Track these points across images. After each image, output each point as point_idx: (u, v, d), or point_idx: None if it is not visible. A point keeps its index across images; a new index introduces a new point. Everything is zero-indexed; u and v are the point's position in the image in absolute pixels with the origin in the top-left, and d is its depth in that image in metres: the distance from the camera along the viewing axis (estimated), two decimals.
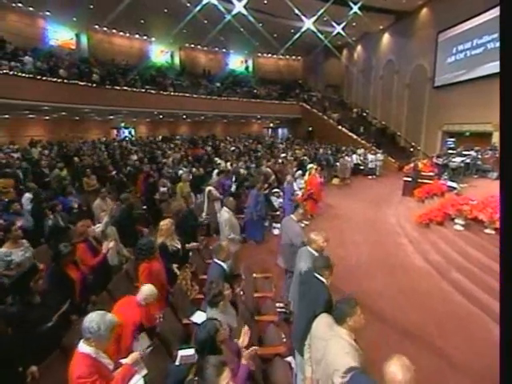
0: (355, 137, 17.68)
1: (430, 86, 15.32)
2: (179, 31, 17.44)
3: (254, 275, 4.01)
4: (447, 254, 5.23)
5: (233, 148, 14.01)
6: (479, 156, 9.34)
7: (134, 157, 10.00)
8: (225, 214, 4.32)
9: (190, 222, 4.61)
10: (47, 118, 15.60)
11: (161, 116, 19.18)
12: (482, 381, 3.00)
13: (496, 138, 10.72)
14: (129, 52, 19.52)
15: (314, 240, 2.89)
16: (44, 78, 12.20)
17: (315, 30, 17.67)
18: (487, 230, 4.83)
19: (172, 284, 3.42)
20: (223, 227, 4.30)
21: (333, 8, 15.42)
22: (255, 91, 20.74)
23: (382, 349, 3.52)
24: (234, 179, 8.17)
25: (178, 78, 19.07)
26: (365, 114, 20.94)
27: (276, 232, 6.33)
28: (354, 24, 17.67)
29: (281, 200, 7.33)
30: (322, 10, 15.67)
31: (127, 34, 19.56)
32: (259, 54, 24.20)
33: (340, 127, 18.58)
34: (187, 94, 17.37)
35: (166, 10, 17.62)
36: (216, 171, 8.18)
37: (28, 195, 4.83)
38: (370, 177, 13.53)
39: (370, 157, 13.92)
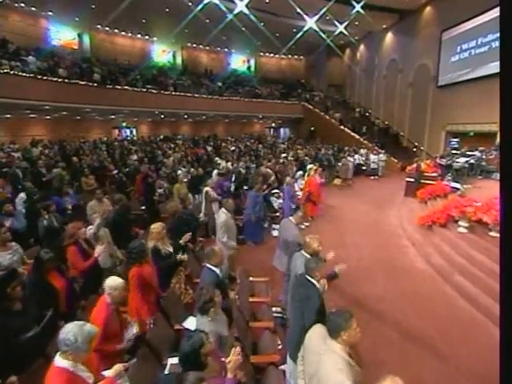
0: (357, 137, 17.52)
1: (434, 86, 15.12)
2: (181, 31, 17.37)
3: (251, 279, 3.90)
4: (450, 257, 5.09)
5: (233, 148, 13.92)
6: (484, 156, 9.17)
7: (134, 156, 9.94)
8: (222, 216, 4.21)
9: (190, 223, 4.52)
10: (48, 117, 15.61)
11: (162, 116, 19.15)
12: None
13: None
14: (131, 52, 19.55)
15: (308, 244, 2.79)
16: (45, 78, 12.20)
17: (317, 29, 17.52)
18: (492, 233, 4.69)
19: (165, 288, 3.33)
20: (218, 229, 4.20)
21: (335, 7, 15.26)
22: (257, 91, 20.64)
23: (382, 353, 3.43)
24: (233, 179, 8.09)
25: (179, 77, 19.02)
26: (367, 114, 20.76)
27: (275, 233, 6.22)
28: (356, 23, 17.49)
29: (280, 201, 7.22)
30: (324, 9, 15.51)
31: (129, 34, 19.59)
32: (261, 54, 24.12)
33: (342, 127, 18.43)
34: (188, 94, 17.31)
35: (167, 10, 17.55)
36: (215, 171, 8.10)
37: (22, 195, 4.77)
38: (372, 177, 13.38)
39: (372, 157, 13.75)
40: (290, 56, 24.55)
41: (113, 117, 17.93)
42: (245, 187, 7.75)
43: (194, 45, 21.82)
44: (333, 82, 24.07)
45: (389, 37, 18.59)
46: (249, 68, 24.67)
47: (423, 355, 3.41)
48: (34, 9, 15.60)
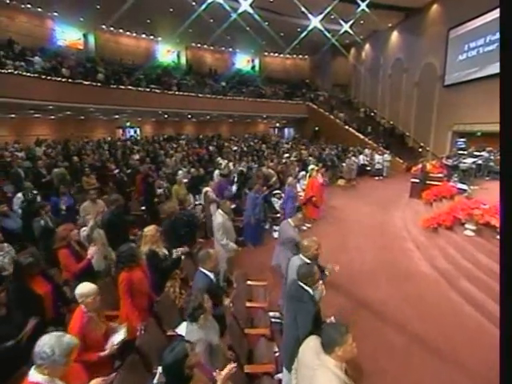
0: (362, 137, 17.33)
1: (440, 85, 14.86)
2: (186, 31, 17.41)
3: (249, 282, 3.80)
4: (456, 261, 4.93)
5: (235, 148, 13.83)
6: (492, 157, 8.94)
7: (136, 156, 9.91)
8: (218, 218, 4.11)
9: (189, 224, 4.43)
10: (53, 117, 15.70)
11: (166, 116, 19.15)
12: None
13: None
14: (135, 52, 19.60)
15: (306, 248, 2.67)
16: (49, 78, 12.25)
17: (322, 28, 17.34)
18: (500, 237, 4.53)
19: (159, 291, 3.24)
20: (215, 231, 4.10)
21: (340, 6, 15.10)
22: (261, 91, 20.54)
23: (384, 360, 3.30)
24: (235, 180, 8.00)
25: (183, 77, 19.00)
26: (372, 114, 20.53)
27: (276, 235, 6.10)
28: (361, 22, 17.28)
29: (282, 202, 7.08)
30: (329, 8, 15.36)
31: (134, 34, 19.65)
32: (266, 54, 24.04)
33: (347, 127, 18.25)
34: (192, 94, 17.27)
35: (171, 10, 17.52)
36: (217, 172, 8.02)
37: (19, 195, 4.73)
38: (376, 178, 13.18)
39: (377, 157, 13.56)
40: (294, 56, 24.43)
41: (117, 116, 17.98)
42: (246, 184, 7.62)
43: (199, 45, 21.81)
44: (338, 81, 23.86)
45: (394, 36, 18.35)
46: (253, 68, 24.59)
47: (427, 362, 3.28)
48: (40, 10, 15.74)
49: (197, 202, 6.48)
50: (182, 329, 2.55)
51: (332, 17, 16.33)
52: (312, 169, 8.30)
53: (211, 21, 16.36)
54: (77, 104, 13.30)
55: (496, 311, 3.81)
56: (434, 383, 3.04)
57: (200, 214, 5.58)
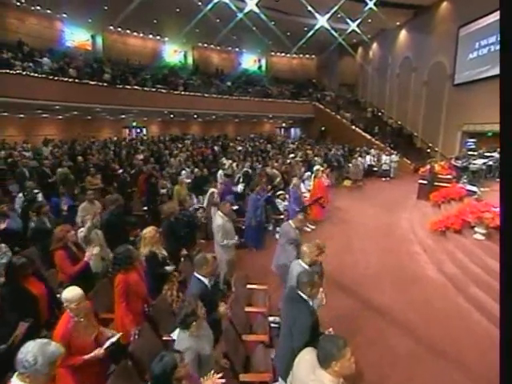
0: (369, 137, 17.09)
1: (450, 84, 14.53)
2: (192, 31, 17.44)
3: (249, 286, 3.71)
4: (465, 266, 4.76)
5: (240, 148, 13.75)
6: None
7: (141, 156, 9.91)
8: (218, 220, 4.04)
9: (189, 225, 4.38)
10: (60, 117, 15.89)
11: (172, 115, 19.20)
12: None
13: None
14: (142, 52, 19.71)
15: (306, 253, 2.57)
16: (56, 78, 12.37)
17: (329, 27, 17.17)
18: None
19: (156, 295, 3.18)
20: (215, 233, 4.02)
21: (347, 4, 14.89)
22: (268, 90, 20.44)
23: (388, 368, 3.18)
24: (241, 180, 7.92)
25: (190, 77, 19.03)
26: (380, 114, 20.24)
27: (278, 236, 6.01)
28: (369, 21, 17.00)
29: (286, 203, 6.99)
30: (336, 7, 15.16)
31: (141, 35, 19.77)
32: (272, 53, 23.94)
33: (354, 127, 18.02)
34: (198, 94, 17.27)
35: (178, 10, 17.55)
36: (220, 172, 7.96)
37: (21, 195, 4.74)
38: (383, 179, 12.97)
39: (384, 158, 13.34)
40: (301, 55, 24.27)
41: (123, 116, 18.10)
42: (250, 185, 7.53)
43: (205, 45, 21.83)
44: (345, 81, 23.62)
45: (402, 34, 18.04)
46: (260, 68, 24.52)
47: (433, 370, 3.15)
48: (49, 11, 15.94)
49: (199, 205, 6.39)
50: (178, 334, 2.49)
51: (339, 16, 16.14)
52: (318, 169, 8.18)
53: (218, 21, 16.33)
54: (83, 104, 13.44)
55: None
56: None
57: (200, 215, 5.50)
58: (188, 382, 1.62)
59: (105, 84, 14.01)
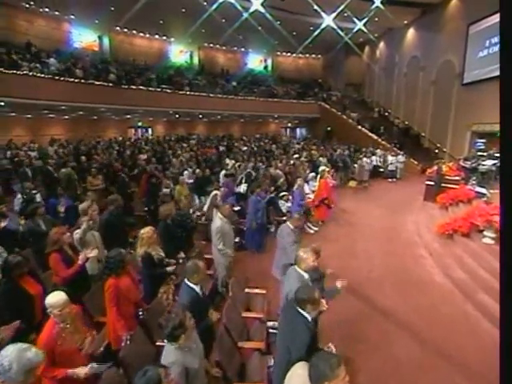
0: (375, 137, 16.85)
1: (459, 83, 14.22)
2: (198, 31, 17.43)
3: (247, 290, 3.62)
4: (473, 271, 4.59)
5: (245, 148, 13.67)
6: None
7: (144, 156, 9.90)
8: (217, 222, 3.95)
9: (184, 225, 4.30)
10: (67, 117, 16.02)
11: (177, 115, 19.22)
12: None
13: None
14: (149, 52, 19.80)
15: (302, 259, 2.45)
16: (62, 79, 12.46)
17: (335, 26, 17.00)
18: None
19: (152, 298, 3.11)
20: (213, 235, 3.94)
21: (354, 3, 14.68)
22: (273, 90, 20.34)
23: (393, 379, 3.06)
24: (243, 180, 7.83)
25: (195, 77, 19.03)
26: (387, 114, 19.97)
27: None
28: (376, 19, 16.74)
29: (289, 204, 6.88)
30: (342, 6, 14.98)
31: (147, 35, 19.86)
32: (278, 53, 23.83)
33: (360, 127, 17.80)
34: (203, 94, 17.25)
35: (183, 10, 17.56)
36: (223, 172, 7.89)
37: (19, 196, 4.73)
38: (389, 180, 12.75)
39: (390, 158, 13.11)
40: (307, 55, 24.12)
41: (128, 116, 18.18)
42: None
43: (211, 45, 21.84)
44: (351, 80, 23.39)
45: (410, 33, 17.75)
46: (266, 67, 24.44)
47: (438, 380, 3.01)
48: (57, 13, 16.11)
49: (198, 205, 6.32)
50: None
51: (345, 15, 15.93)
52: (323, 170, 8.05)
53: (223, 21, 16.27)
54: (89, 104, 13.51)
55: None
56: None
57: (197, 216, 5.42)
58: None
59: (110, 84, 14.07)
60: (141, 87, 15.10)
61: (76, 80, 12.90)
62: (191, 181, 7.29)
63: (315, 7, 15.33)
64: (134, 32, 19.24)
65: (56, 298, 2.04)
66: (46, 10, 15.66)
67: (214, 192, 6.08)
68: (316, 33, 17.51)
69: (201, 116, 20.17)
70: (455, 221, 5.58)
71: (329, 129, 20.70)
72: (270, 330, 3.22)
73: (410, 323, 3.86)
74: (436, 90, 15.83)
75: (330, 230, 7.10)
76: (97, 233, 3.64)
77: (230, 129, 21.91)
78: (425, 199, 8.44)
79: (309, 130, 23.92)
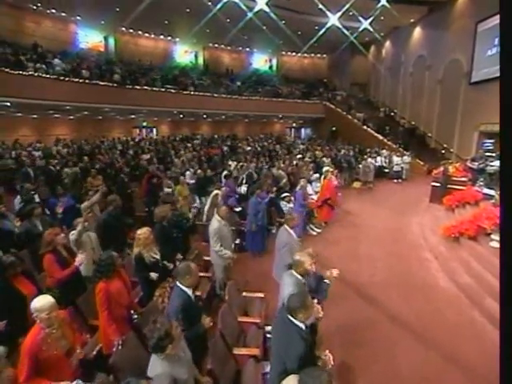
0: (381, 137, 16.65)
1: (466, 82, 13.95)
2: (203, 31, 17.42)
3: (244, 294, 3.53)
4: (480, 276, 4.44)
5: (248, 148, 13.59)
6: None
7: (147, 156, 9.89)
8: (214, 224, 3.88)
9: (179, 226, 4.24)
10: (72, 117, 16.15)
11: (181, 115, 19.24)
12: None
13: None
14: (154, 53, 19.88)
15: (298, 263, 2.36)
16: (67, 79, 12.55)
17: (341, 26, 16.83)
18: None
19: (147, 301, 3.05)
20: (211, 238, 3.87)
21: (359, 2, 14.51)
22: (278, 90, 20.24)
23: None
24: (244, 181, 7.76)
25: (200, 77, 19.03)
26: (392, 114, 19.72)
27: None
28: (382, 18, 16.56)
29: (291, 205, 6.77)
30: (347, 5, 14.81)
31: (152, 35, 19.93)
32: (283, 53, 23.70)
33: (365, 127, 17.61)
34: (207, 94, 17.24)
35: (188, 10, 17.57)
36: (224, 173, 7.82)
37: (19, 197, 4.72)
38: (395, 181, 12.56)
39: (396, 159, 12.91)
40: (312, 55, 23.98)
41: (133, 116, 18.27)
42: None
43: (216, 45, 21.83)
44: (356, 80, 23.18)
45: (417, 31, 17.50)
46: (270, 67, 24.37)
47: None
48: (63, 14, 16.27)
49: (196, 206, 6.26)
50: None
51: (351, 14, 15.75)
52: (327, 170, 7.95)
53: (228, 21, 16.23)
54: (93, 104, 13.58)
55: None
56: None
57: (193, 216, 5.36)
58: None
59: (114, 84, 14.13)
60: (145, 87, 15.14)
61: (81, 80, 12.98)
62: (193, 181, 7.24)
63: (320, 6, 15.19)
64: (140, 32, 19.33)
65: (42, 301, 1.99)
66: (53, 11, 15.85)
67: (215, 192, 6.01)
68: (321, 32, 17.39)
69: (205, 116, 20.18)
70: (462, 223, 5.44)
71: (334, 129, 20.55)
72: (268, 335, 3.14)
73: (413, 329, 3.74)
74: (443, 89, 15.56)
75: (332, 232, 6.99)
76: (93, 234, 3.60)
77: (234, 129, 21.88)
78: (431, 201, 8.28)
79: (313, 130, 23.79)
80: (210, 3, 15.04)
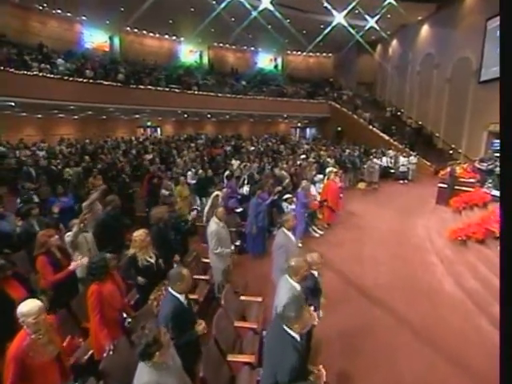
0: (387, 137, 16.41)
1: (475, 81, 13.65)
2: (208, 31, 17.41)
3: (242, 298, 3.45)
4: (488, 281, 4.27)
5: (252, 148, 13.50)
6: None
7: (149, 156, 9.87)
8: (212, 226, 3.80)
9: (177, 228, 4.17)
10: (76, 117, 16.24)
11: (186, 115, 19.24)
12: None
13: None
14: (159, 52, 19.92)
15: (294, 269, 2.26)
16: (71, 79, 12.61)
17: (346, 24, 16.64)
18: None
19: (142, 304, 2.98)
20: (209, 240, 3.79)
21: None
22: (283, 90, 20.11)
23: None
24: (246, 182, 7.67)
25: (204, 77, 19.00)
26: (399, 114, 19.44)
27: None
28: (388, 16, 16.31)
29: (293, 207, 6.66)
30: (353, 3, 14.63)
31: (157, 35, 19.98)
32: (288, 52, 23.59)
33: (371, 127, 17.38)
34: (212, 93, 17.19)
35: (192, 10, 17.54)
36: (226, 173, 7.74)
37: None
38: (401, 181, 12.35)
39: (402, 159, 12.69)
40: (317, 54, 23.79)
41: (137, 116, 18.31)
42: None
43: (221, 44, 21.80)
44: (362, 79, 22.93)
45: (424, 29, 17.20)
46: (276, 67, 24.24)
47: None
48: (69, 14, 16.40)
49: (195, 207, 6.17)
50: None
51: (357, 12, 15.56)
52: (330, 171, 7.82)
53: (232, 20, 16.18)
54: (97, 104, 13.64)
55: None
56: None
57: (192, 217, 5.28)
58: None
59: (119, 84, 14.16)
60: (149, 87, 15.15)
61: (85, 80, 13.03)
62: (194, 181, 7.17)
63: (326, 5, 15.04)
64: (144, 32, 19.39)
65: (29, 305, 1.92)
66: (59, 11, 15.97)
67: (216, 193, 5.93)
68: (327, 31, 17.25)
69: (209, 116, 20.15)
70: (469, 226, 5.28)
71: (339, 129, 20.34)
72: (265, 340, 3.05)
73: (416, 335, 3.61)
74: (451, 88, 15.27)
75: (336, 234, 6.86)
76: (89, 235, 3.55)
77: (239, 129, 21.80)
78: (437, 202, 8.10)
79: (319, 130, 23.59)
80: (214, 2, 15.00)
